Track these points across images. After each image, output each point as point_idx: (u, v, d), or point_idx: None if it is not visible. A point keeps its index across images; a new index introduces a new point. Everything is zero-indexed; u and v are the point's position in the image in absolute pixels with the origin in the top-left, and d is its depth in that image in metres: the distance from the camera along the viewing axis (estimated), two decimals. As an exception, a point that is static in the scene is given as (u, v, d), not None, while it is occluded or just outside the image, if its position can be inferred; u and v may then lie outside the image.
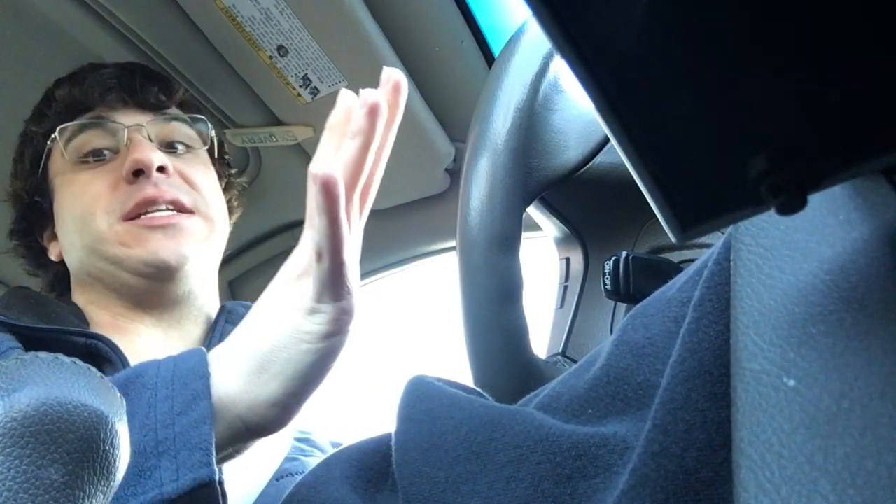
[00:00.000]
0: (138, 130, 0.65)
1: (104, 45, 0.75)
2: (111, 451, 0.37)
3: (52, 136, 0.66)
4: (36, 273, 0.75)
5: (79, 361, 0.39)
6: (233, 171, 0.78)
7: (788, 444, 0.17)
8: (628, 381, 0.29)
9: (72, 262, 0.67)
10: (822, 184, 0.17)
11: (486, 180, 0.47)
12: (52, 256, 0.69)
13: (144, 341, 0.64)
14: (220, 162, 0.75)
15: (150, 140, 0.65)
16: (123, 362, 0.56)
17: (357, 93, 0.44)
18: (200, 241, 0.65)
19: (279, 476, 0.59)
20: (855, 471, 0.15)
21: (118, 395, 0.40)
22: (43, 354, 0.38)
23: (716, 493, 0.23)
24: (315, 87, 0.78)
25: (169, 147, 0.68)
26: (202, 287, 0.68)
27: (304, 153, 0.90)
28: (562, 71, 0.53)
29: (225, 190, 0.74)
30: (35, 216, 0.70)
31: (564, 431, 0.29)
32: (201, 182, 0.67)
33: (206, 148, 0.71)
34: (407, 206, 0.97)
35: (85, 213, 0.63)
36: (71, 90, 0.67)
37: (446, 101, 0.83)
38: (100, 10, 0.72)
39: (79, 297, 0.67)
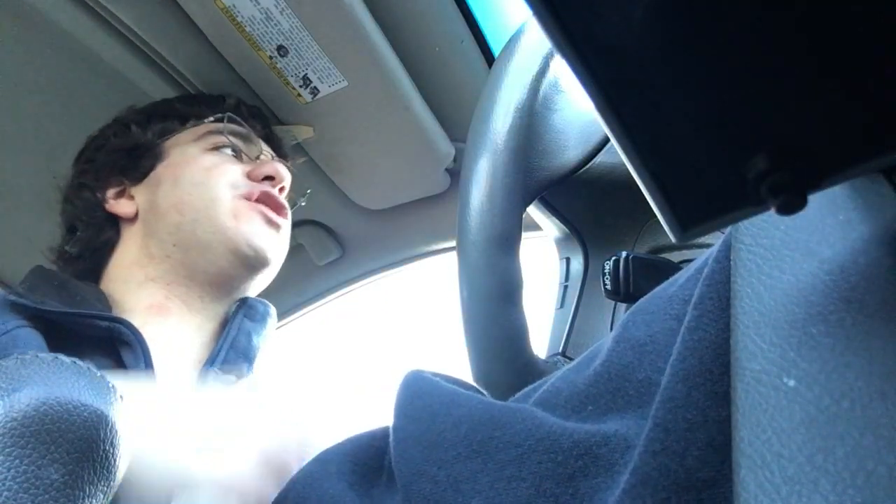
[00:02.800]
0: (268, 155, 0.77)
1: (104, 45, 0.75)
2: (111, 451, 0.37)
3: (218, 117, 0.74)
4: (72, 227, 0.73)
5: (79, 361, 0.39)
6: None
7: (788, 444, 0.17)
8: (629, 378, 0.29)
9: (162, 227, 0.68)
10: (822, 184, 0.17)
11: (486, 180, 0.47)
12: (120, 210, 0.70)
13: (174, 327, 0.66)
14: None
15: None
16: (143, 347, 0.57)
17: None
18: (282, 251, 0.73)
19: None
20: (855, 471, 0.15)
21: (118, 394, 0.40)
22: (43, 354, 0.38)
23: (717, 492, 0.23)
24: (315, 87, 0.78)
25: None
26: (255, 289, 0.74)
27: (304, 153, 0.90)
28: (562, 71, 0.53)
29: None
30: (120, 170, 0.72)
31: (566, 430, 0.29)
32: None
33: None
34: (407, 206, 0.97)
35: (210, 180, 0.68)
36: (235, 104, 0.78)
37: (446, 101, 0.83)
38: (100, 10, 0.72)
39: (138, 271, 0.68)
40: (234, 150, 0.74)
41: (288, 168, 0.78)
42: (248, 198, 0.69)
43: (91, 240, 0.71)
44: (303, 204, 0.88)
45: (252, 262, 0.68)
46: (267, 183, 0.71)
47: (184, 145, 0.73)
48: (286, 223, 0.73)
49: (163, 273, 0.67)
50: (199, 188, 0.68)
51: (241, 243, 0.66)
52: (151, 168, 0.71)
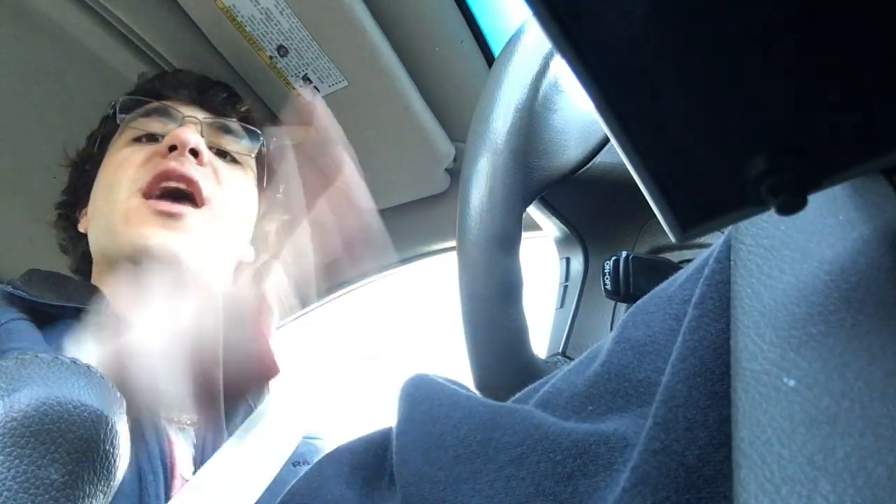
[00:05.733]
0: (192, 120, 0.68)
1: (104, 45, 0.75)
2: (111, 451, 0.37)
3: (115, 108, 0.69)
4: (67, 250, 0.76)
5: (79, 361, 0.39)
6: (279, 199, 0.78)
7: (788, 444, 0.17)
8: (629, 378, 0.29)
9: (91, 236, 0.68)
10: (822, 184, 0.17)
11: (486, 180, 0.47)
12: (80, 228, 0.71)
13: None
14: (268, 185, 0.75)
15: (201, 135, 0.67)
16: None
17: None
18: (202, 236, 0.64)
19: (296, 461, 0.59)
20: (855, 471, 0.15)
21: (118, 394, 0.40)
22: (43, 354, 0.38)
23: (717, 491, 0.23)
24: (315, 88, 0.78)
25: (219, 153, 0.70)
26: (203, 280, 0.68)
27: (304, 153, 0.90)
28: (562, 71, 0.53)
29: (264, 217, 0.74)
30: (79, 188, 0.72)
31: (565, 430, 0.29)
32: (232, 183, 0.68)
33: (255, 162, 0.73)
34: (407, 206, 0.97)
35: (113, 182, 0.65)
36: (151, 81, 0.72)
37: (446, 101, 0.83)
38: (100, 10, 0.72)
39: (96, 276, 0.67)
40: (150, 135, 0.67)
41: (222, 124, 0.70)
42: (146, 190, 0.62)
43: (75, 256, 0.74)
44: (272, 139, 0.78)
45: (145, 262, 0.61)
46: (173, 156, 0.63)
47: (112, 146, 0.69)
48: (190, 210, 0.63)
49: (110, 279, 0.65)
50: (106, 192, 0.65)
51: (129, 249, 0.61)
52: (94, 179, 0.70)
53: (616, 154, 0.53)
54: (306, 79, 0.77)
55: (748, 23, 0.16)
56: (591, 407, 0.30)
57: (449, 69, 0.80)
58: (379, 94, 0.77)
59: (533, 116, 0.50)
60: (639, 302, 0.32)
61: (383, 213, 1.00)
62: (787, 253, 0.21)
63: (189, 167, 0.64)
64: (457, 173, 0.90)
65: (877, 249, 0.19)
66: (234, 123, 0.72)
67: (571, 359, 0.57)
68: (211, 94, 0.72)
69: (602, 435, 0.28)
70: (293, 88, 0.78)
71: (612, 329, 0.57)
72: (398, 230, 1.01)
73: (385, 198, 0.97)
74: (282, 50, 0.74)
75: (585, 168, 0.54)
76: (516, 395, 0.36)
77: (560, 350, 0.59)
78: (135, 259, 0.62)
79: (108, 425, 0.37)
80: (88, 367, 0.39)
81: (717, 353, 0.24)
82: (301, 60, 0.75)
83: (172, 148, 0.64)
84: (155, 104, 0.69)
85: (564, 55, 0.17)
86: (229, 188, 0.68)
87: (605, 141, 0.54)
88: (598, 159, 0.55)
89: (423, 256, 1.03)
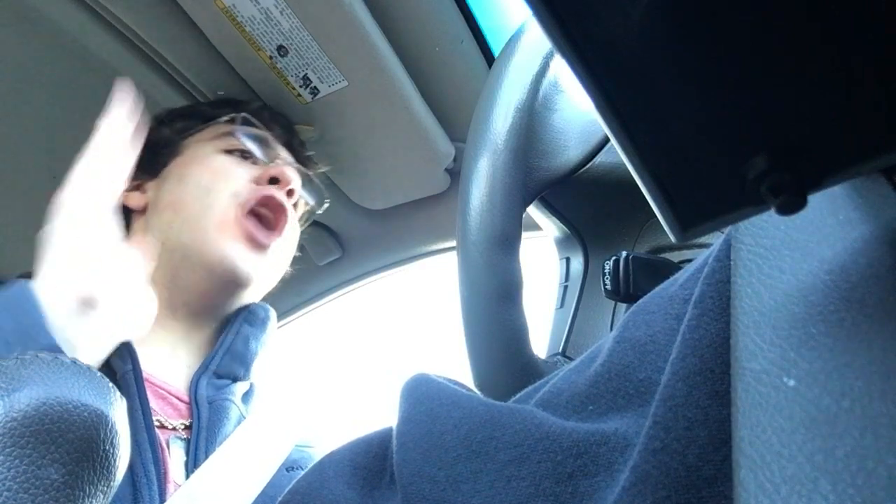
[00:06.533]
0: (287, 160, 0.76)
1: (104, 45, 0.75)
2: (111, 451, 0.37)
3: (231, 117, 0.74)
4: None
5: (79, 361, 0.39)
6: None
7: (788, 444, 0.17)
8: (630, 377, 0.29)
9: (158, 222, 0.68)
10: (822, 184, 0.17)
11: (486, 180, 0.47)
12: (131, 202, 0.71)
13: (157, 329, 0.64)
14: None
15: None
16: (128, 347, 0.56)
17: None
18: (276, 263, 0.71)
19: (289, 467, 0.59)
20: (855, 471, 0.15)
21: (118, 394, 0.40)
22: (43, 354, 0.38)
23: (717, 490, 0.23)
24: (315, 87, 0.78)
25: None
26: (242, 303, 0.71)
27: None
28: (562, 71, 0.53)
29: None
30: (138, 165, 0.71)
31: (565, 429, 0.29)
32: (296, 222, 0.76)
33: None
34: (407, 206, 0.97)
35: (214, 185, 0.67)
36: (259, 109, 0.78)
37: (446, 101, 0.83)
38: (100, 10, 0.72)
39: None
40: (247, 154, 0.72)
41: (306, 174, 0.77)
42: (245, 205, 0.67)
43: None
44: (320, 213, 0.86)
45: (226, 282, 0.66)
46: (272, 186, 0.69)
47: (199, 143, 0.72)
48: (275, 239, 0.69)
49: (150, 273, 0.66)
50: (201, 191, 0.67)
51: (216, 261, 0.65)
52: (166, 164, 0.71)
53: (616, 154, 0.53)
54: (306, 79, 0.77)
55: (748, 22, 0.16)
56: (591, 407, 0.30)
57: (449, 69, 0.80)
58: (379, 94, 0.77)
59: (533, 116, 0.50)
60: (640, 302, 0.32)
61: (383, 213, 1.00)
62: (787, 253, 0.21)
63: (285, 200, 0.70)
64: (457, 173, 0.90)
65: (877, 249, 0.19)
66: (313, 178, 0.80)
67: (571, 359, 0.57)
68: (299, 143, 0.80)
69: (603, 435, 0.28)
70: (293, 88, 0.78)
71: (612, 329, 0.57)
72: (398, 230, 1.01)
73: (385, 198, 0.97)
74: (282, 50, 0.74)
75: (585, 168, 0.54)
76: (517, 395, 0.36)
77: (560, 350, 0.59)
78: (212, 268, 0.65)
79: (108, 425, 0.37)
80: (89, 367, 0.39)
81: (717, 352, 0.24)
82: (301, 60, 0.75)
83: (274, 180, 0.70)
84: (262, 132, 0.74)
85: (564, 55, 0.17)
86: (296, 226, 0.75)
87: (605, 141, 0.54)
88: (598, 159, 0.55)
89: (423, 256, 1.04)
